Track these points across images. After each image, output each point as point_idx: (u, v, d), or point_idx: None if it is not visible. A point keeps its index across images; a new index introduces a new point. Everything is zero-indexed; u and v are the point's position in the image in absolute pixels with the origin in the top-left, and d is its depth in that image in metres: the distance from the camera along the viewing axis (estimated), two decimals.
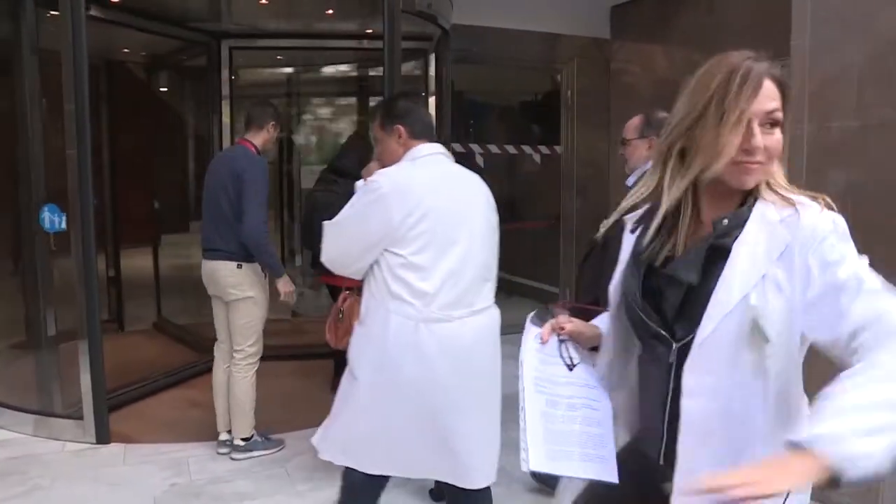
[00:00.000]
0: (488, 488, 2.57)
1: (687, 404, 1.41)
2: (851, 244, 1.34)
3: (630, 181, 2.92)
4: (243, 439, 3.88)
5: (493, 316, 2.55)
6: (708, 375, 1.39)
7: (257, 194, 3.65)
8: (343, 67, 7.26)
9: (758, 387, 1.36)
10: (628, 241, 1.57)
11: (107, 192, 6.36)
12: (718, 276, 1.38)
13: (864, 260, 1.33)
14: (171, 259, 7.76)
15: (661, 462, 1.51)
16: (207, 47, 5.62)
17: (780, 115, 1.38)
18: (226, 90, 5.65)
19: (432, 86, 5.65)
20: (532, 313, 1.68)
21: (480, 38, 6.05)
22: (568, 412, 1.56)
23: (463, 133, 7.18)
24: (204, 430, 4.17)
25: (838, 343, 1.28)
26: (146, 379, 4.90)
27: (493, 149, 6.82)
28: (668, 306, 1.46)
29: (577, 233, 6.75)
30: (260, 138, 3.86)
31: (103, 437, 4.06)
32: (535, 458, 1.50)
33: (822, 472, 1.08)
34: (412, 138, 2.56)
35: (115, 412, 4.25)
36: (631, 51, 6.61)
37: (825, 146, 3.31)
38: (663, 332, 1.45)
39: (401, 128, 2.57)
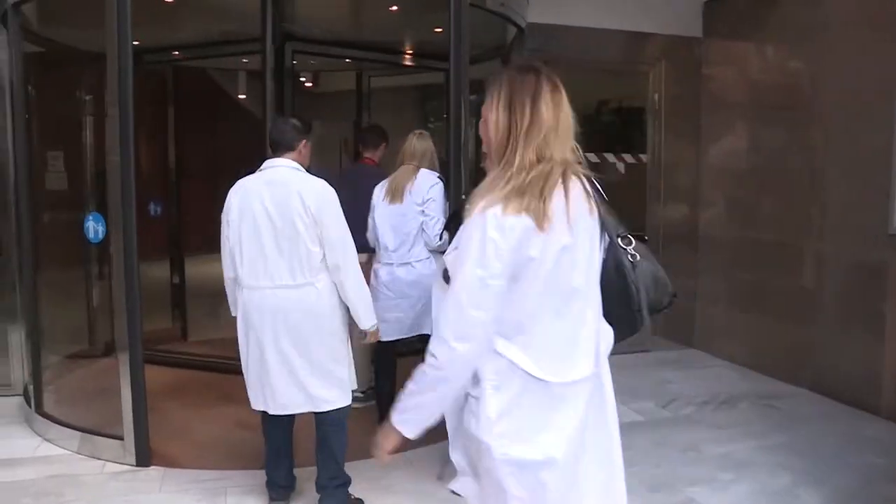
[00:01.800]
0: (333, 412, 3.24)
1: None
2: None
3: None
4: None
5: (306, 291, 3.15)
6: None
7: None
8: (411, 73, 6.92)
9: None
10: None
11: (172, 197, 6.27)
12: None
13: None
14: None
15: None
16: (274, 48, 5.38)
17: (483, 108, 1.80)
18: (289, 93, 5.40)
19: None
20: None
21: (559, 38, 5.66)
22: None
23: None
24: (248, 455, 3.91)
25: None
26: None
27: None
28: None
29: (664, 249, 6.25)
30: (377, 154, 4.75)
31: (143, 458, 3.85)
32: None
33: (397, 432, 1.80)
34: (271, 151, 3.28)
35: (150, 433, 4.03)
36: (725, 50, 6.08)
37: None
38: None
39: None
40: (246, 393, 3.31)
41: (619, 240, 1.86)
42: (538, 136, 1.72)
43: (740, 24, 5.87)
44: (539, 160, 1.72)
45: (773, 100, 5.52)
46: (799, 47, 5.24)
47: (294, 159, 3.23)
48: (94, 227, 3.88)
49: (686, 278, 6.30)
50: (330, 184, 3.22)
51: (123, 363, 3.79)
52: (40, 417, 4.32)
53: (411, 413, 1.78)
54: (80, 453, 4.02)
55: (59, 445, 4.13)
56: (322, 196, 3.15)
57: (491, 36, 5.22)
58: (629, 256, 1.86)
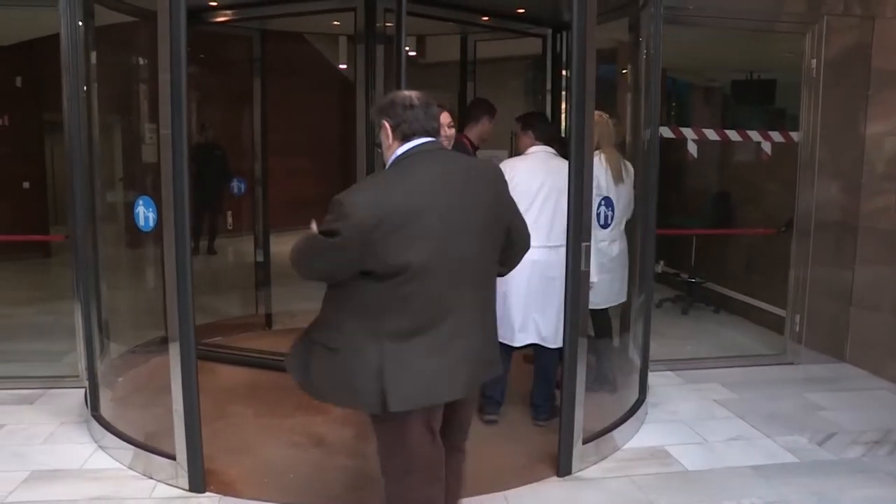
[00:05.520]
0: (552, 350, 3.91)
1: None
2: None
3: None
4: None
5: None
6: None
7: None
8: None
9: None
10: None
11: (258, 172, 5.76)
12: None
13: None
14: None
15: None
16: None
17: None
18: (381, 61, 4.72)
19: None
20: None
21: None
22: None
23: (672, 114, 5.90)
24: (320, 482, 3.33)
25: None
26: None
27: (711, 134, 5.48)
28: None
29: (815, 241, 5.28)
30: (475, 132, 4.42)
31: (196, 483, 3.30)
32: None
33: None
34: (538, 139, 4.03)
35: (213, 447, 3.49)
36: None
37: None
38: None
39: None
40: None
41: None
42: None
43: None
44: None
45: None
46: None
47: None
48: (143, 213, 3.34)
49: (840, 277, 5.36)
50: None
51: (174, 350, 3.20)
52: (95, 421, 3.87)
53: None
54: (132, 469, 3.53)
55: (112, 457, 3.64)
56: None
57: None
58: None
